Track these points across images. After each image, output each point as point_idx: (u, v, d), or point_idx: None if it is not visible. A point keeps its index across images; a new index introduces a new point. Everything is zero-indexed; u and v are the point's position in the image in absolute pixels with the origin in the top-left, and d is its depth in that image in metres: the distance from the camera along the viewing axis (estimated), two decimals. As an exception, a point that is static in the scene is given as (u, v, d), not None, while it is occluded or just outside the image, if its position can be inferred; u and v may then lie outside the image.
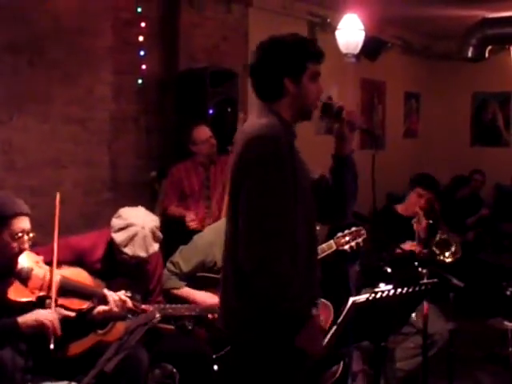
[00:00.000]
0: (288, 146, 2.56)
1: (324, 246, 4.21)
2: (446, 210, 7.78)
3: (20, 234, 3.23)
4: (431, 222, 4.73)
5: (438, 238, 4.70)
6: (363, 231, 4.27)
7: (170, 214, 5.29)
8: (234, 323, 2.62)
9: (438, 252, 4.67)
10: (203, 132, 5.42)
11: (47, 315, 3.18)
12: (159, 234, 3.81)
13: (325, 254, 4.17)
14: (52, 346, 3.13)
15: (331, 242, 4.22)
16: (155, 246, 3.76)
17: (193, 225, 5.10)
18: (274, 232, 2.45)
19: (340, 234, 4.24)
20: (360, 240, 4.25)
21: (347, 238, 4.24)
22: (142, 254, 3.70)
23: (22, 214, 3.27)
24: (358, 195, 2.84)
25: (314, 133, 7.36)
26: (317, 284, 2.74)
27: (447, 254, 4.72)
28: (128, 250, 3.68)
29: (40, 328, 3.14)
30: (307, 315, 2.54)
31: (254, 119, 2.65)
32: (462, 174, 8.23)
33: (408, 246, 4.58)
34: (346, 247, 4.22)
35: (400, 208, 5.02)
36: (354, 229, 4.25)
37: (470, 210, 7.80)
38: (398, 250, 4.42)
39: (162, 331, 3.88)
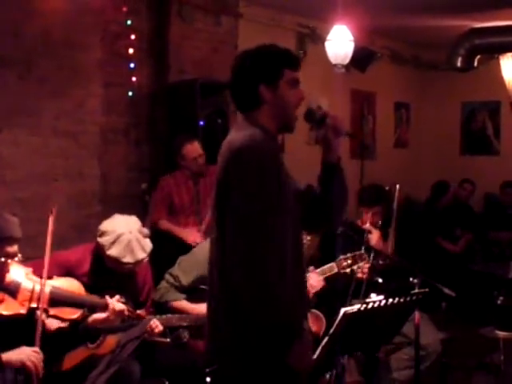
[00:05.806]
0: (274, 157, 2.53)
1: (326, 267, 4.20)
2: (430, 221, 7.77)
3: (3, 259, 3.21)
4: (382, 230, 4.69)
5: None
6: (365, 255, 4.25)
7: (161, 229, 5.22)
8: (226, 353, 2.51)
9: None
10: (194, 149, 5.32)
11: (31, 356, 3.07)
12: (145, 230, 3.84)
13: (325, 276, 4.17)
14: None
15: (333, 264, 4.21)
16: (149, 243, 3.80)
17: (195, 240, 5.00)
18: (263, 241, 2.39)
19: (342, 257, 4.22)
20: (362, 264, 4.23)
21: (349, 262, 4.22)
22: (143, 256, 3.74)
23: (11, 238, 3.24)
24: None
25: (305, 143, 7.39)
26: (306, 296, 2.70)
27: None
28: (129, 259, 3.68)
29: (23, 368, 3.06)
30: (299, 329, 2.45)
31: (236, 132, 2.63)
32: (443, 180, 8.14)
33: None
34: (348, 270, 4.21)
35: (359, 222, 4.93)
36: (356, 252, 4.25)
37: (458, 218, 7.81)
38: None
39: (158, 345, 3.86)
